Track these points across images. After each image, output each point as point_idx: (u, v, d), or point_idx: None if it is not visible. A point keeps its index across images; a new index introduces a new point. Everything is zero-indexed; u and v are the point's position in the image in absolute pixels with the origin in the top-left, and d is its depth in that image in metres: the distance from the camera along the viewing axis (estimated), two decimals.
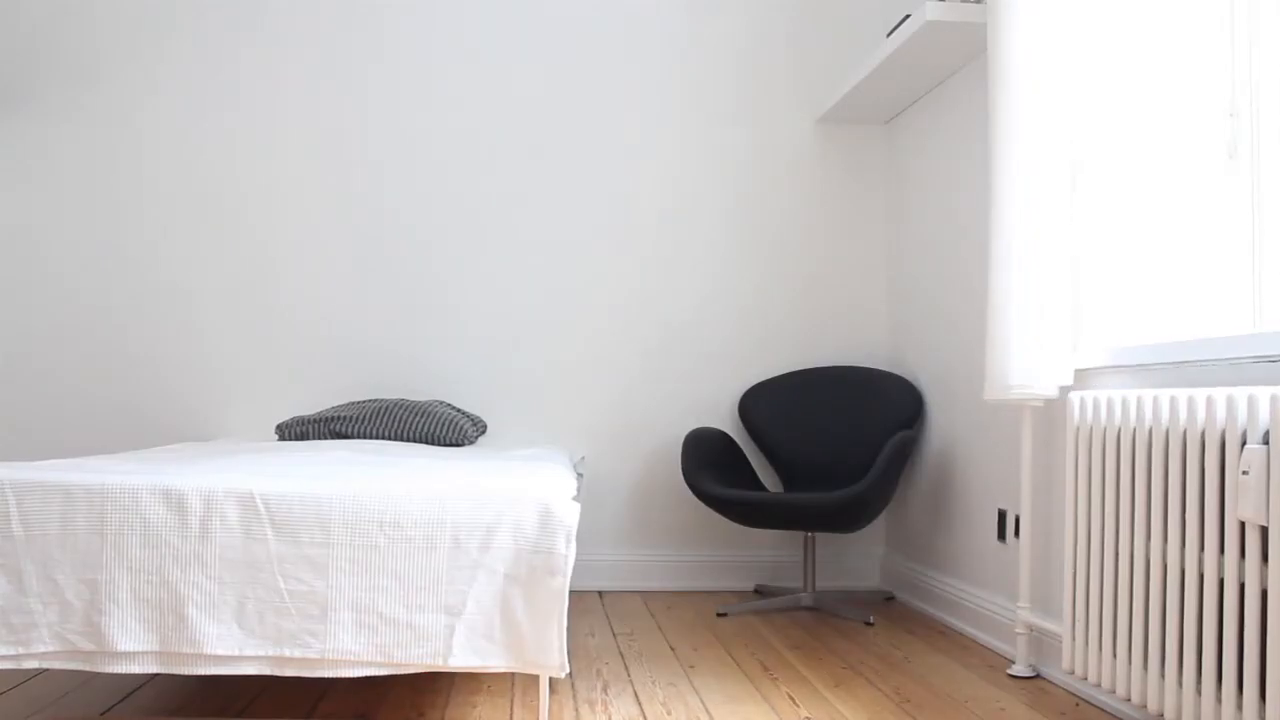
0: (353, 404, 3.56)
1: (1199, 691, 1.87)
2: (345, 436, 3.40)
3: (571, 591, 3.79)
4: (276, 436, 3.55)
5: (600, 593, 3.81)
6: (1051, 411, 2.69)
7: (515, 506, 2.09)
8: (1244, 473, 1.72)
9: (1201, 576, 1.88)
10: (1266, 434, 1.71)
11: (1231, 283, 2.22)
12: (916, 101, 3.68)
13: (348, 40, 3.89)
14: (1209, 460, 1.84)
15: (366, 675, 2.04)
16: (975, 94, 3.21)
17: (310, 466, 2.32)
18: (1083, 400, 2.30)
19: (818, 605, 3.47)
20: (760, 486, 3.73)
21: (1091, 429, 2.25)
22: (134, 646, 2.00)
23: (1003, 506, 2.99)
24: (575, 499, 2.42)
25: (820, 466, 3.69)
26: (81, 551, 2.01)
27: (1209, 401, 1.84)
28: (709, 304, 3.94)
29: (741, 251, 3.95)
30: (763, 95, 3.97)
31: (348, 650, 2.02)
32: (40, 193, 3.83)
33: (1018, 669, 2.68)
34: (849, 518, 3.19)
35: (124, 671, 2.01)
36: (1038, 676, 2.67)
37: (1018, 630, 2.68)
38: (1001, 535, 2.98)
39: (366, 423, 3.40)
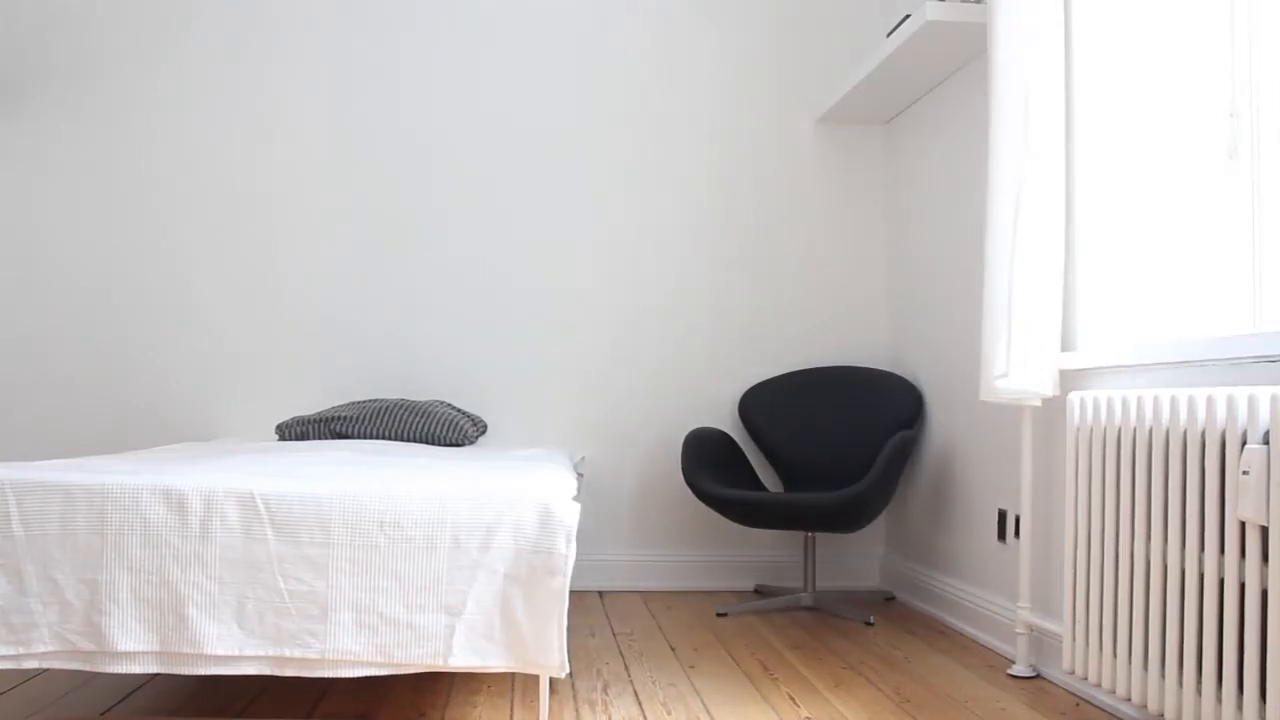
0: (353, 404, 3.56)
1: (1199, 691, 1.87)
2: (345, 436, 3.40)
3: (571, 591, 3.79)
4: (277, 436, 3.55)
5: (600, 593, 3.81)
6: (1051, 411, 2.69)
7: (515, 506, 2.09)
8: (1244, 473, 1.72)
9: (1202, 576, 1.88)
10: (1267, 434, 1.71)
11: (1231, 282, 2.22)
12: (916, 101, 3.68)
13: (349, 41, 3.89)
14: (1209, 460, 1.84)
15: (366, 675, 2.04)
16: (975, 94, 3.21)
17: (310, 466, 2.32)
18: (1083, 400, 2.30)
19: (818, 605, 3.47)
20: (760, 486, 3.73)
21: (1091, 429, 2.25)
22: (134, 646, 2.00)
23: (1003, 506, 2.99)
24: (575, 499, 2.42)
25: (820, 466, 3.69)
26: (81, 551, 2.01)
27: (1209, 401, 1.84)
28: (709, 304, 3.94)
29: (741, 252, 3.95)
30: (763, 95, 3.97)
31: (348, 650, 2.02)
32: (41, 192, 3.83)
33: (1018, 669, 2.68)
34: (849, 518, 3.19)
35: (124, 671, 2.01)
36: (1038, 676, 2.67)
37: (1018, 630, 2.68)
38: (1001, 535, 2.98)
39: (367, 423, 3.40)
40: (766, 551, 3.93)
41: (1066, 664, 2.34)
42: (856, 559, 3.95)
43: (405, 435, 3.40)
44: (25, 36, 3.84)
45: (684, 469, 3.51)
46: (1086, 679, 2.26)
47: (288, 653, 2.02)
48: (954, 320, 3.35)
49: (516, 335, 3.89)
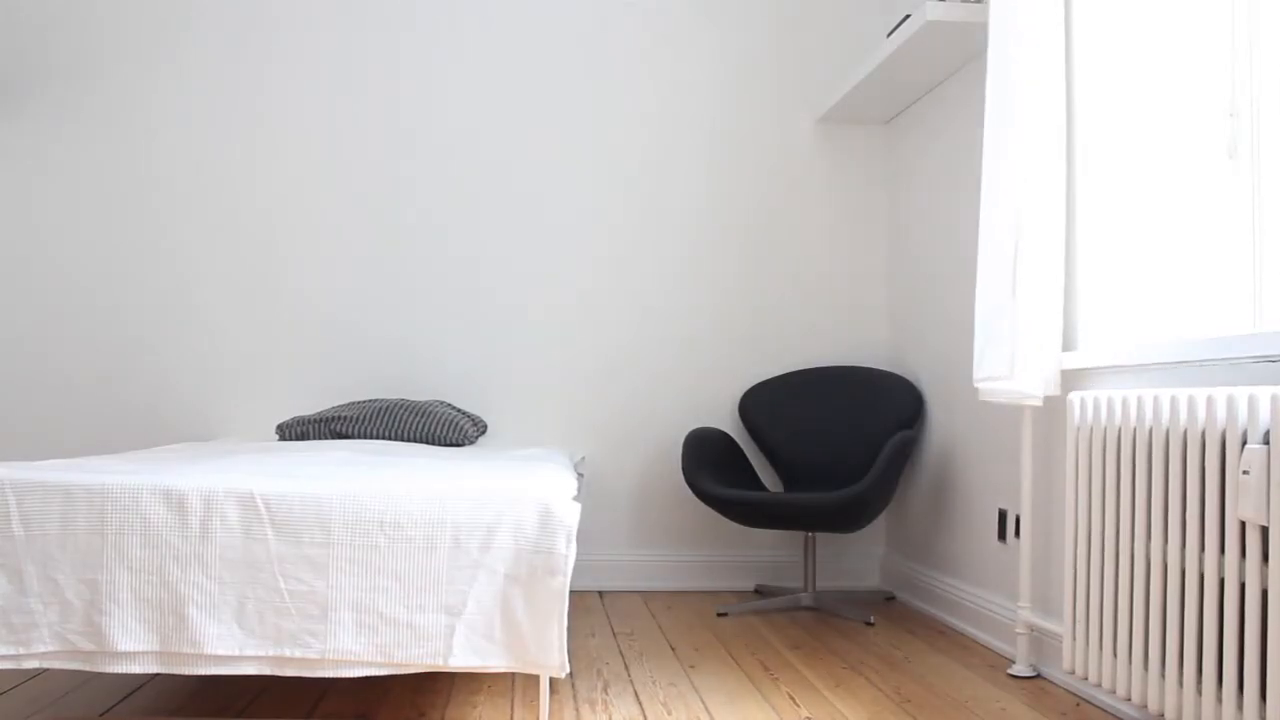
0: (353, 404, 3.56)
1: (1199, 691, 1.87)
2: (346, 436, 3.40)
3: (572, 591, 3.79)
4: (277, 436, 3.55)
5: (600, 593, 3.81)
6: (1051, 411, 2.69)
7: (515, 506, 2.09)
8: (1244, 473, 1.72)
9: (1202, 576, 1.88)
10: (1267, 434, 1.71)
11: (1231, 282, 2.22)
12: (916, 101, 3.68)
13: (349, 42, 3.89)
14: (1209, 460, 1.84)
15: (367, 675, 2.04)
16: (975, 94, 3.21)
17: (311, 466, 2.32)
18: (1083, 400, 2.30)
19: (818, 605, 3.47)
20: (760, 486, 3.73)
21: (1091, 429, 2.25)
22: (134, 646, 2.00)
23: (1003, 506, 2.99)
24: (575, 499, 2.42)
25: (820, 466, 3.69)
26: (82, 551, 2.01)
27: (1209, 401, 1.84)
28: (709, 304, 3.94)
29: (741, 251, 3.95)
30: (763, 95, 3.97)
31: (348, 650, 2.02)
32: (41, 192, 3.83)
33: (1018, 669, 2.68)
34: (849, 518, 3.19)
35: (124, 671, 2.02)
36: (1038, 676, 2.67)
37: (1018, 630, 2.68)
38: (1002, 535, 2.98)
39: (367, 423, 3.40)
40: (767, 551, 3.93)
41: (1067, 664, 2.34)
42: (856, 559, 3.95)
43: (405, 435, 3.40)
44: (25, 36, 3.84)
45: (684, 469, 3.51)
46: (1087, 679, 2.26)
47: (288, 653, 2.02)
48: (954, 320, 3.35)
49: (516, 335, 3.89)
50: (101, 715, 2.25)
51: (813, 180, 3.98)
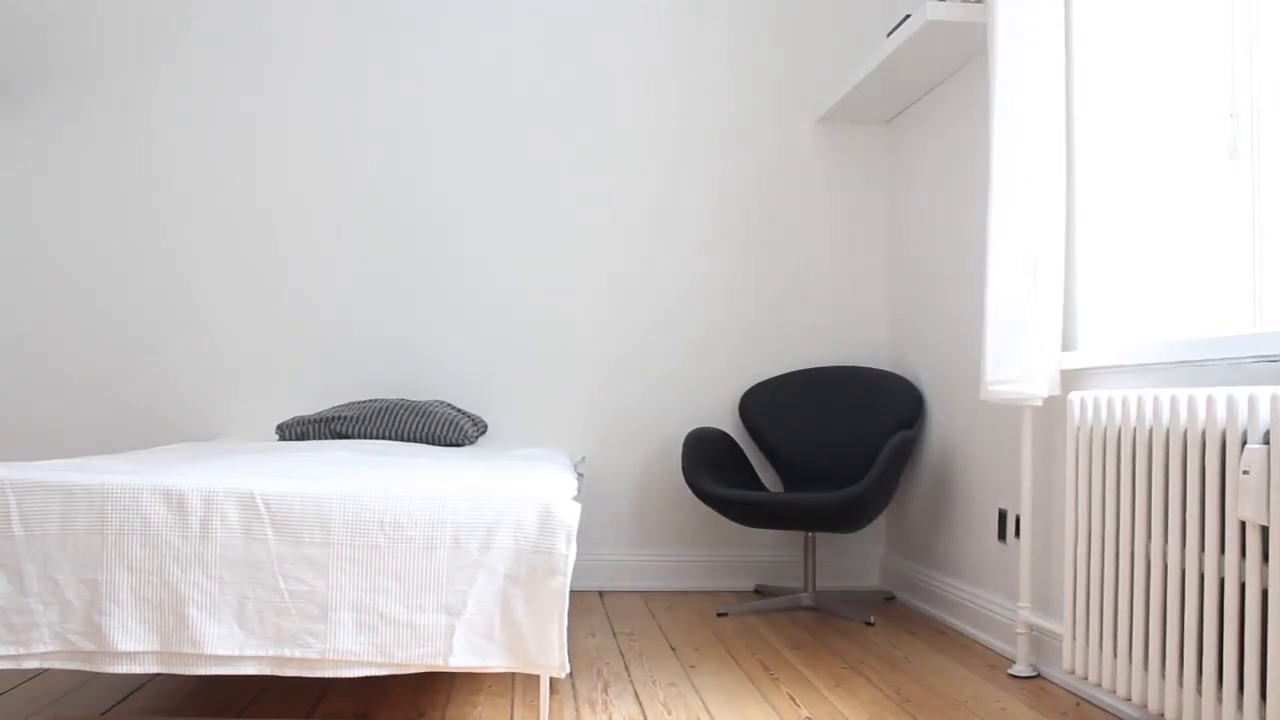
0: (353, 404, 3.56)
1: (1199, 691, 1.87)
2: (346, 436, 3.40)
3: (572, 591, 3.79)
4: (277, 436, 3.55)
5: (600, 593, 3.81)
6: (1051, 411, 2.69)
7: (515, 506, 2.09)
8: (1244, 473, 1.72)
9: (1202, 576, 1.88)
10: (1267, 434, 1.71)
11: (1232, 282, 2.22)
12: (916, 101, 3.68)
13: (349, 42, 3.89)
14: (1209, 460, 1.84)
15: (367, 675, 2.04)
16: (975, 94, 3.21)
17: (311, 466, 2.32)
18: (1083, 400, 2.30)
19: (818, 605, 3.47)
20: (760, 486, 3.73)
21: (1091, 429, 2.25)
22: (134, 646, 2.00)
23: (1003, 506, 2.99)
24: (575, 499, 2.42)
25: (820, 466, 3.69)
26: (82, 551, 2.01)
27: (1209, 401, 1.84)
28: (709, 304, 3.94)
29: (742, 252, 3.95)
30: (763, 95, 3.97)
31: (348, 650, 2.02)
32: (41, 192, 3.83)
33: (1018, 669, 2.68)
34: (849, 518, 3.19)
35: (124, 671, 2.02)
36: (1038, 676, 2.67)
37: (1018, 630, 2.68)
38: (1002, 535, 2.98)
39: (367, 423, 3.41)
40: (766, 551, 3.93)
41: (1067, 664, 2.34)
42: (856, 559, 3.95)
43: (405, 435, 3.40)
44: (25, 36, 3.84)
45: (684, 469, 3.51)
46: (1087, 679, 2.26)
47: (288, 653, 2.02)
48: (954, 320, 3.35)
49: (516, 335, 3.89)
50: (101, 715, 2.25)
51: (813, 180, 3.98)
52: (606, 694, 2.47)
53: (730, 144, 3.96)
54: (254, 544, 2.03)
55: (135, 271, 3.83)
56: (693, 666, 2.74)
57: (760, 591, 3.84)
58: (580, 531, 3.86)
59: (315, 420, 3.44)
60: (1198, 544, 1.88)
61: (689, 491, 3.90)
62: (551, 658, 2.04)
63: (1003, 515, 2.98)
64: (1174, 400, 1.95)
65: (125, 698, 2.39)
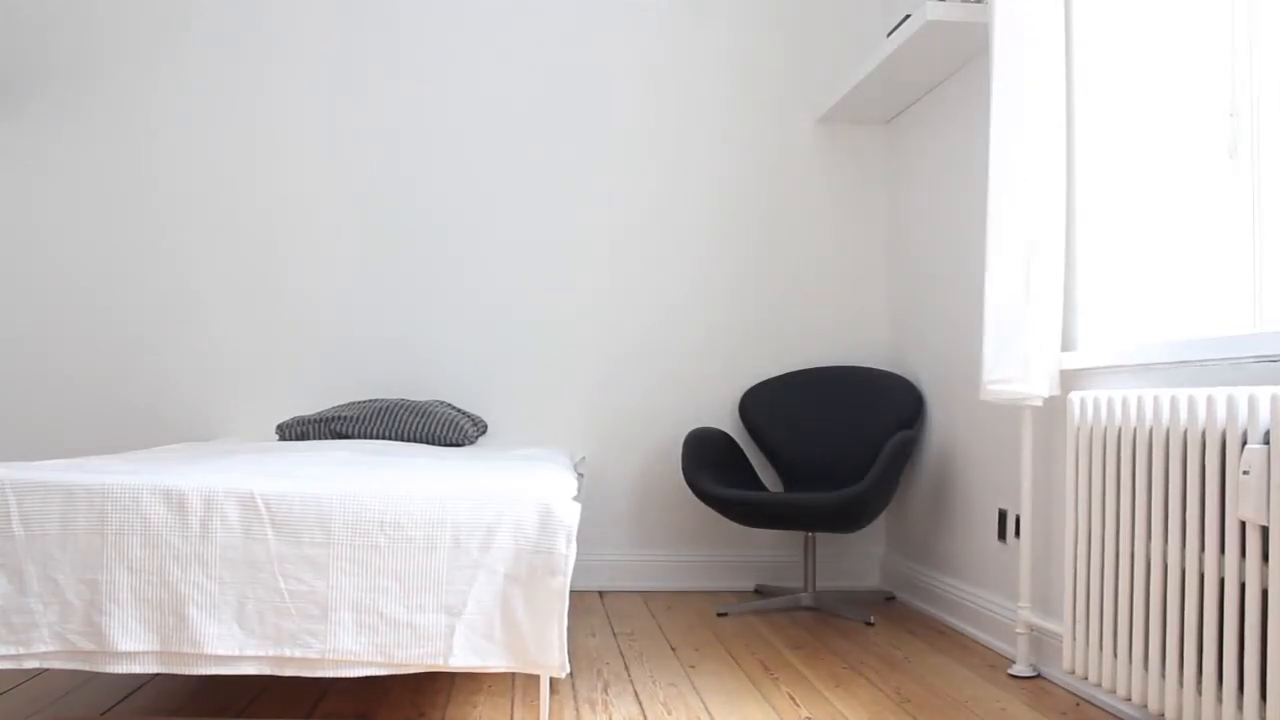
0: (353, 404, 3.56)
1: (1199, 691, 1.87)
2: (346, 436, 3.40)
3: (572, 591, 3.79)
4: (277, 436, 3.55)
5: (600, 593, 3.81)
6: (1051, 411, 2.69)
7: (515, 506, 2.09)
8: (1244, 473, 1.72)
9: (1202, 576, 1.88)
10: (1267, 434, 1.71)
11: (1232, 282, 2.22)
12: (916, 101, 3.68)
13: (349, 42, 3.89)
14: (1209, 460, 1.84)
15: (367, 675, 2.04)
16: (975, 94, 3.21)
17: (311, 466, 2.32)
18: (1083, 400, 2.30)
19: (818, 605, 3.47)
20: (760, 486, 3.73)
21: (1091, 429, 2.25)
22: (134, 646, 2.00)
23: (1003, 506, 2.99)
24: (575, 499, 2.42)
25: (820, 466, 3.69)
26: (82, 551, 2.01)
27: (1209, 401, 1.84)
28: (709, 304, 3.94)
29: (742, 251, 3.95)
30: (763, 95, 3.97)
31: (348, 650, 2.02)
32: (41, 192, 3.83)
33: (1018, 669, 2.68)
34: (849, 518, 3.19)
35: (124, 671, 2.02)
36: (1038, 676, 2.67)
37: (1018, 630, 2.68)
38: (1002, 535, 2.98)
39: (367, 423, 3.40)
40: (766, 551, 3.93)
41: (1067, 664, 2.34)
42: (856, 559, 3.95)
43: (405, 435, 3.40)
44: (25, 36, 3.84)
45: (684, 469, 3.51)
46: (1087, 679, 2.26)
47: (288, 653, 2.02)
48: (954, 320, 3.35)
49: (517, 335, 3.89)
50: (101, 715, 2.25)
51: (813, 180, 3.98)
52: (606, 694, 2.47)
53: (730, 144, 3.96)
54: (254, 544, 2.03)
55: (135, 271, 3.83)
56: (693, 666, 2.74)
57: (760, 591, 3.84)
58: (580, 531, 3.86)
59: (315, 420, 3.44)
60: (1198, 544, 1.88)
61: (689, 491, 3.90)
62: (551, 658, 2.04)
63: (1003, 515, 2.98)
64: (1174, 400, 1.95)
65: (125, 698, 2.39)
